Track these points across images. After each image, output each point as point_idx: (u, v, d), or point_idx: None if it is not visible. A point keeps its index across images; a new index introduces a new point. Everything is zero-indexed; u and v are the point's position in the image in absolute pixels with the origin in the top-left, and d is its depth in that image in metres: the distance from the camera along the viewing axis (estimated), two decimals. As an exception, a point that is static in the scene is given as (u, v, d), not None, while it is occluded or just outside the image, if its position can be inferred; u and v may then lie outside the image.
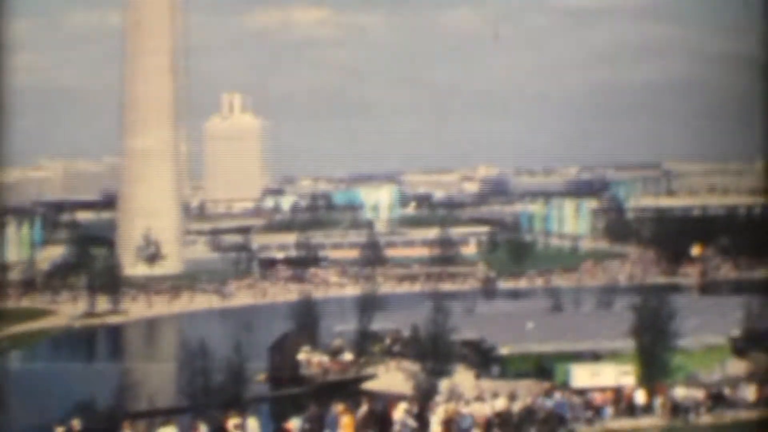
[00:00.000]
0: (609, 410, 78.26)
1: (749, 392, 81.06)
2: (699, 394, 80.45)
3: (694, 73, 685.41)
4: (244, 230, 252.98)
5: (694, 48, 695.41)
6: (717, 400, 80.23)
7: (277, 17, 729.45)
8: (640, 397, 79.72)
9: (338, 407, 66.69)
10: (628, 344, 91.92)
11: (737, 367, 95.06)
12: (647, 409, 78.71)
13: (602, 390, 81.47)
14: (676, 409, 78.36)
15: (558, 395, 78.27)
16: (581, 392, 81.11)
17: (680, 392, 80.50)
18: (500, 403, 75.87)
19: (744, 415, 78.52)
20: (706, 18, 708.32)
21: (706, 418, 78.38)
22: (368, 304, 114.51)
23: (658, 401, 78.70)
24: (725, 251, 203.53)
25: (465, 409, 75.17)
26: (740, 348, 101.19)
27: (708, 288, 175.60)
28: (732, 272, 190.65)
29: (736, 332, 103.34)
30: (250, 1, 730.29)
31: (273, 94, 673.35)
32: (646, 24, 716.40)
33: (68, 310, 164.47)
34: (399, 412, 74.30)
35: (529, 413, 75.53)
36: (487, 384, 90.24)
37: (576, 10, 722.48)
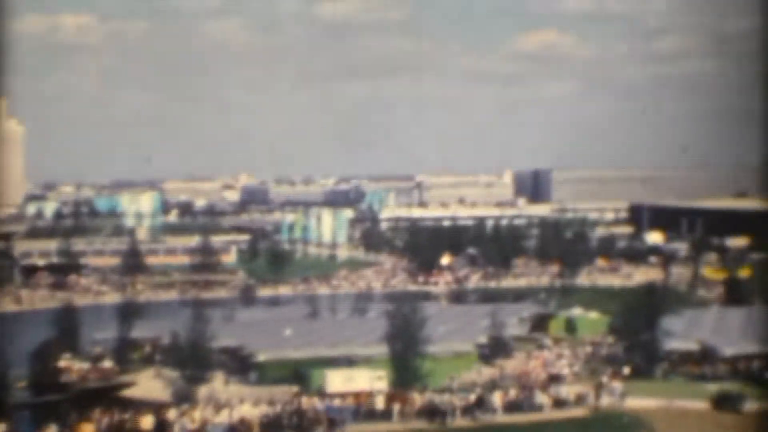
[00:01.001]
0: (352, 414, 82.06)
1: (496, 398, 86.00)
2: (451, 399, 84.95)
3: (448, 88, 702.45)
4: (6, 236, 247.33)
5: (448, 64, 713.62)
6: (472, 404, 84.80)
7: (45, 21, 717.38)
8: (381, 401, 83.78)
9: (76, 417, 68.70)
10: (382, 350, 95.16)
11: (485, 373, 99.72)
12: (391, 413, 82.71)
13: (344, 396, 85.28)
14: (429, 413, 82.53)
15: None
16: (331, 397, 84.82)
17: (432, 397, 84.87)
18: (252, 409, 79.13)
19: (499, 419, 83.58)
20: (460, 35, 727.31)
21: (460, 422, 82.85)
22: (128, 312, 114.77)
23: (397, 407, 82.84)
24: (473, 261, 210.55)
25: (219, 415, 78.19)
26: (486, 355, 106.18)
27: (456, 296, 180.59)
28: (479, 281, 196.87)
29: (482, 339, 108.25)
30: (18, 3, 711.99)
31: (38, 98, 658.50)
32: (402, 39, 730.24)
33: None
34: (148, 421, 76.89)
35: (282, 417, 78.88)
36: (244, 390, 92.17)
37: (336, 24, 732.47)
